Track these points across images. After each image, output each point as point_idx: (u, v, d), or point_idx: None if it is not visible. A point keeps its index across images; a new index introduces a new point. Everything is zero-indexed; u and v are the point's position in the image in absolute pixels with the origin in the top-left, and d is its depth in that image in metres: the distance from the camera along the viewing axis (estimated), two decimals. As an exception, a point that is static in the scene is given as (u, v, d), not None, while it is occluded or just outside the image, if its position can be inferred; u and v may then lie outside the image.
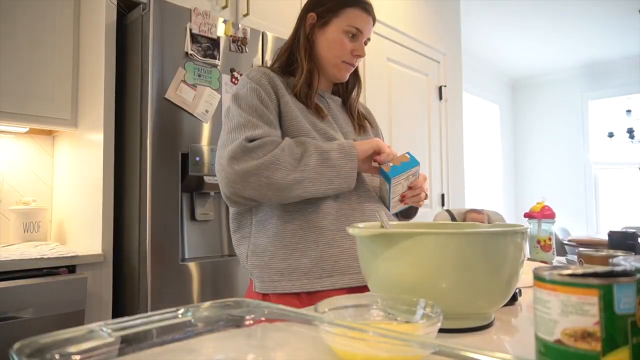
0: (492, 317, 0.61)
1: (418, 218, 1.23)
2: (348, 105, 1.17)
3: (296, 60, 1.06)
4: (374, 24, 1.11)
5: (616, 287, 0.35)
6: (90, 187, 1.73)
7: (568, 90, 5.94)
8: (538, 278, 0.39)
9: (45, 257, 1.44)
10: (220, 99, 1.77)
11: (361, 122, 1.18)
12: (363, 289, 0.86)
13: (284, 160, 0.89)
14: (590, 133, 5.77)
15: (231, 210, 1.06)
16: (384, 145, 0.99)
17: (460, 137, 3.55)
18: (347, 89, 1.18)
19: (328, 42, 1.05)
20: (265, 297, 0.99)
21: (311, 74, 1.04)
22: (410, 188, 1.02)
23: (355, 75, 1.18)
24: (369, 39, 1.09)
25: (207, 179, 1.69)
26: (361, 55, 1.07)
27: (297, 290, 0.94)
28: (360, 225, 0.71)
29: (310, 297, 0.94)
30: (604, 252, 0.82)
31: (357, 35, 1.05)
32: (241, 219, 1.05)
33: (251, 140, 0.91)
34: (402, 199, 1.03)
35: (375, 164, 1.01)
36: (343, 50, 1.04)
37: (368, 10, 1.07)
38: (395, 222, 0.83)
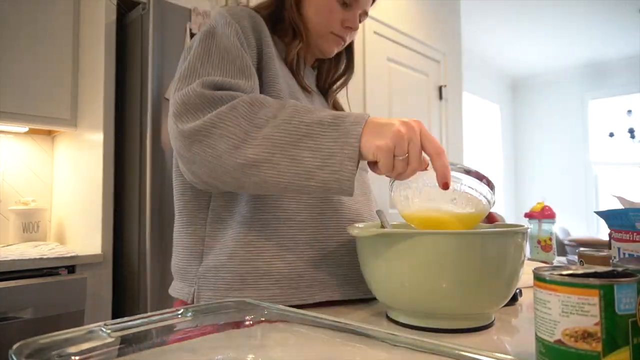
0: (493, 317, 0.61)
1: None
2: (328, 91, 0.98)
3: (284, 21, 0.86)
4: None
5: (617, 287, 0.35)
6: (90, 187, 1.73)
7: (568, 90, 5.95)
8: (538, 278, 0.39)
9: (44, 257, 1.43)
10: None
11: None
12: (347, 303, 0.71)
13: (232, 122, 0.60)
14: (590, 133, 5.77)
15: (176, 181, 0.79)
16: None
17: (460, 137, 3.55)
18: (334, 74, 0.97)
19: (317, 7, 0.86)
20: None
21: (305, 41, 0.86)
22: None
23: (349, 60, 0.98)
24: (366, 14, 0.92)
25: (207, 179, 1.68)
26: (353, 28, 0.88)
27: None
28: (360, 225, 0.71)
29: None
30: (605, 252, 0.82)
31: (351, 5, 0.87)
32: (192, 196, 0.76)
33: (212, 88, 0.64)
34: None
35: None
36: (332, 18, 0.85)
37: None
38: (396, 222, 0.82)
